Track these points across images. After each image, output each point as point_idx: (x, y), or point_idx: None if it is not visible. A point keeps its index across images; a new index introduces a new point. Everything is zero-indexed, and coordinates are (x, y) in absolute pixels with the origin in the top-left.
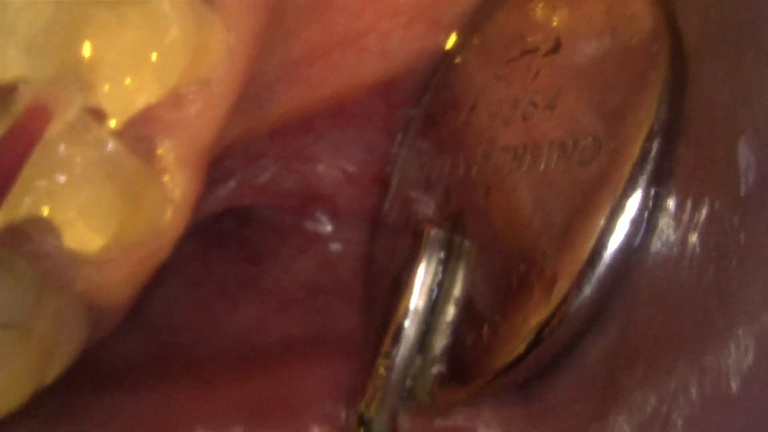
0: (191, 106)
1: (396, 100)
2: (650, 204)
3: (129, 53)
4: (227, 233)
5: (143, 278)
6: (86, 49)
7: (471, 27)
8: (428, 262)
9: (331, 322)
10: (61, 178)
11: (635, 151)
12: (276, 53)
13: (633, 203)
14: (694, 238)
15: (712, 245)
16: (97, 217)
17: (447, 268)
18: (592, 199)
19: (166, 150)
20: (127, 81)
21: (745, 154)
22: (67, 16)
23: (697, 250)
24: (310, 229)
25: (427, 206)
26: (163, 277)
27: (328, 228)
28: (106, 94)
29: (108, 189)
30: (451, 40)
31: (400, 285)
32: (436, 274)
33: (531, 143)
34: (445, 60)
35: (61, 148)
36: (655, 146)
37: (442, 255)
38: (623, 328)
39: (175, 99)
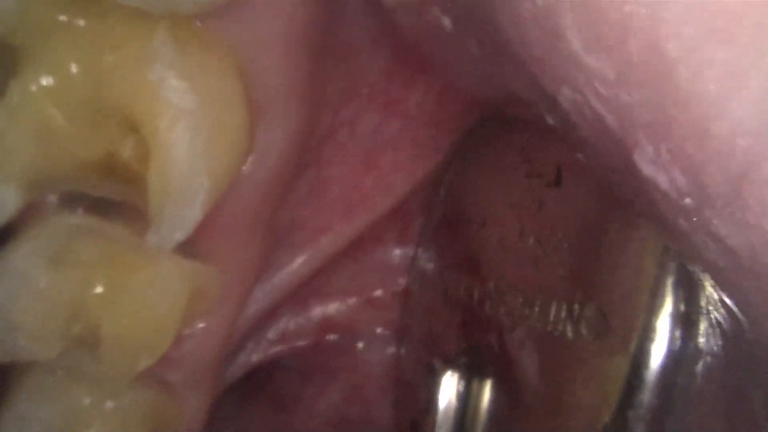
0: (190, 343)
1: (409, 213)
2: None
3: (126, 329)
4: (256, 387)
5: None
6: (87, 328)
7: (477, 138)
8: (447, 406)
9: None
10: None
11: (647, 335)
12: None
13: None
14: None
15: None
16: None
17: (467, 405)
18: (604, 386)
19: (174, 379)
20: (128, 349)
21: None
22: (65, 303)
23: None
24: (331, 363)
25: (446, 327)
26: None
27: (350, 354)
28: (110, 361)
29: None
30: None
31: (420, 427)
32: (456, 413)
33: (540, 293)
34: (452, 166)
35: (86, 401)
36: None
37: (460, 392)
38: None
39: (175, 341)
